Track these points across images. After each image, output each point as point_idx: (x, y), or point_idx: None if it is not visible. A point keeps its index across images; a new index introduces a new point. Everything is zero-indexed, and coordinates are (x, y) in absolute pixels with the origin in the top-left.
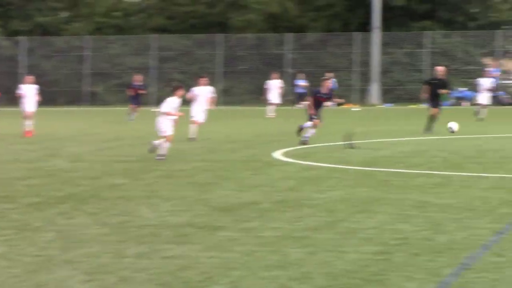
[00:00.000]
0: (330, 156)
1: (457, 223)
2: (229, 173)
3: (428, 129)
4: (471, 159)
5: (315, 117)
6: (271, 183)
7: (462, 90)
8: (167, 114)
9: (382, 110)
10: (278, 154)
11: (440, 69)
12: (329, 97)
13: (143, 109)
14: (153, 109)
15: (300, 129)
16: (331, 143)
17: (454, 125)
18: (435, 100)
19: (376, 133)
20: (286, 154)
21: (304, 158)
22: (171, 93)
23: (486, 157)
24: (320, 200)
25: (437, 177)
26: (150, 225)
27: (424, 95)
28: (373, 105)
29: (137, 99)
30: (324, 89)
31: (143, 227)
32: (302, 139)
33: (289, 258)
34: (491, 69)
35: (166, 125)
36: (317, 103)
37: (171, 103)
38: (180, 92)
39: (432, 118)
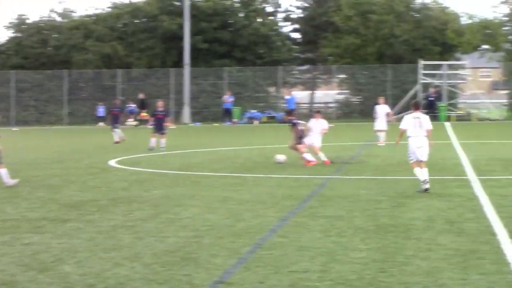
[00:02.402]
0: (153, 163)
1: (251, 213)
2: (73, 177)
3: None
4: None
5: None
6: (107, 184)
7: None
8: None
9: (192, 128)
10: (113, 162)
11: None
12: None
13: (2, 128)
14: (14, 129)
15: None
16: (154, 154)
17: (280, 157)
18: None
19: (189, 145)
20: (119, 162)
21: (133, 165)
22: None
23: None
24: (146, 197)
25: (236, 178)
26: (12, 219)
27: None
28: (185, 124)
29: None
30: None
31: (6, 221)
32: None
33: (122, 243)
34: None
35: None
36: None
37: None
38: None
39: None
